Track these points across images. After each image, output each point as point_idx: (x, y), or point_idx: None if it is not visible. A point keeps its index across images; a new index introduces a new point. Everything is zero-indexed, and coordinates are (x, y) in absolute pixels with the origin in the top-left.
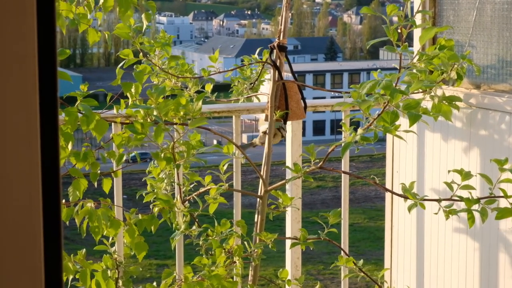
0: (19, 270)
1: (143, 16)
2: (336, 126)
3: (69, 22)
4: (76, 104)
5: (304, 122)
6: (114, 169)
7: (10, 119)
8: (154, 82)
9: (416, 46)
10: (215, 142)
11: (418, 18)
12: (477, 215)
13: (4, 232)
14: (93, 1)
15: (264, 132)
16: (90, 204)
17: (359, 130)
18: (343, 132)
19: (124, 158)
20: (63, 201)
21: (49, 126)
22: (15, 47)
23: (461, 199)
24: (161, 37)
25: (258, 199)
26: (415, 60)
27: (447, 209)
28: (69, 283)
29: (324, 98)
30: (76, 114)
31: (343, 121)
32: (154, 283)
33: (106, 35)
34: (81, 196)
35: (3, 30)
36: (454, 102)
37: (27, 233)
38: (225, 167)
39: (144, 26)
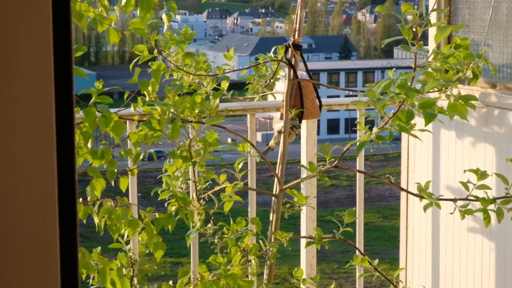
0: (35, 267)
1: (163, 16)
2: (350, 125)
3: (91, 21)
4: (91, 101)
5: (318, 121)
6: (131, 168)
7: (26, 116)
8: (174, 77)
9: (431, 45)
10: (229, 140)
11: (433, 17)
12: (493, 215)
13: (20, 230)
14: (108, 2)
15: (279, 132)
16: (109, 203)
17: (375, 129)
18: (358, 131)
19: (141, 157)
20: (81, 199)
21: (65, 124)
22: (31, 45)
23: (477, 199)
24: (184, 32)
25: (273, 197)
26: (430, 59)
27: (463, 209)
28: (91, 280)
29: (338, 96)
30: (95, 114)
31: (358, 120)
32: (170, 282)
33: (127, 35)
34: (99, 196)
35: (18, 28)
36: (469, 101)
37: (43, 231)
38: (240, 166)
39: (165, 27)
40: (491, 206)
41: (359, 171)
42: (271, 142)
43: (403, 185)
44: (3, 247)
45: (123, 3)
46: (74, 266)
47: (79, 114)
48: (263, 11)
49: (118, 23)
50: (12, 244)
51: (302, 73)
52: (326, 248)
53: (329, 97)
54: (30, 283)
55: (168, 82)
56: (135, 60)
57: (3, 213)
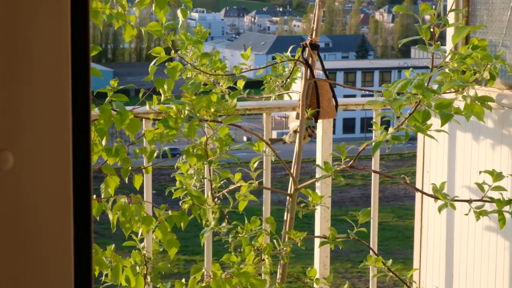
0: (50, 264)
1: (178, 12)
2: (366, 124)
3: (107, 17)
4: (106, 100)
5: (334, 120)
6: (145, 165)
7: (43, 113)
8: (188, 76)
9: (449, 45)
10: (244, 138)
11: (451, 17)
12: (508, 217)
13: (35, 226)
14: (126, 1)
15: (295, 131)
16: (123, 200)
17: (391, 129)
18: (374, 131)
19: (155, 154)
20: (94, 196)
21: (81, 122)
22: (49, 43)
23: (492, 200)
24: (197, 31)
25: (287, 197)
26: (447, 60)
27: (478, 210)
28: (103, 277)
29: (354, 96)
30: (110, 111)
31: (374, 120)
32: (183, 280)
33: (143, 31)
34: (113, 193)
35: (37, 26)
36: (486, 103)
37: (57, 228)
38: (255, 165)
39: (180, 22)
40: (507, 208)
41: (375, 171)
42: (286, 137)
43: (418, 185)
44: (17, 243)
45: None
46: (88, 263)
47: (94, 111)
48: (280, 9)
49: (135, 21)
50: (27, 240)
51: (318, 73)
52: (340, 247)
53: (345, 96)
54: (44, 279)
55: (183, 81)
56: (153, 62)
57: (18, 208)
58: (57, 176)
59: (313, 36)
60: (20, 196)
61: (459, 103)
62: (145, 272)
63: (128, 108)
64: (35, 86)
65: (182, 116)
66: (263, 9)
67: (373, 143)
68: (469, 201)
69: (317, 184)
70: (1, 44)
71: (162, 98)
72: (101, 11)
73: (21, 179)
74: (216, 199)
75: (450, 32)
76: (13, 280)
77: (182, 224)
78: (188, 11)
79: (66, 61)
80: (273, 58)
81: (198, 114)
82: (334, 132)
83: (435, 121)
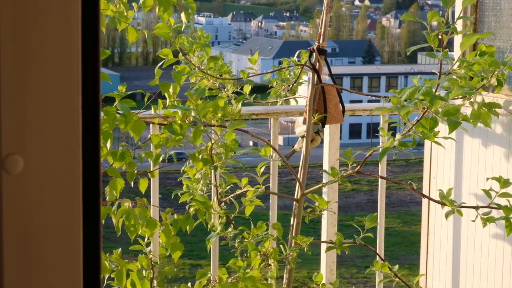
0: (59, 268)
1: (182, 15)
2: (372, 130)
3: (109, 20)
4: (114, 105)
5: (340, 125)
6: (151, 169)
7: (53, 118)
8: (192, 81)
9: (457, 52)
10: (251, 143)
11: (459, 24)
12: None
13: (45, 229)
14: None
15: (303, 137)
16: (127, 204)
17: (398, 136)
18: (380, 137)
19: (161, 158)
20: None
21: (91, 125)
22: (59, 47)
23: (499, 206)
24: (200, 35)
25: (294, 202)
26: (455, 66)
27: (485, 217)
28: (105, 281)
29: (360, 101)
30: (115, 113)
31: (381, 126)
32: (189, 284)
33: (146, 34)
34: (118, 196)
35: (47, 30)
36: (493, 109)
37: (67, 232)
38: (262, 170)
39: (184, 25)
40: None
41: (381, 177)
42: (296, 146)
43: (425, 191)
44: (26, 246)
45: (141, 1)
46: (97, 266)
47: None
48: (287, 14)
49: (142, 25)
50: (36, 244)
51: (325, 78)
52: (346, 253)
53: (351, 101)
54: (53, 283)
55: (190, 86)
56: (160, 64)
57: (27, 212)
58: (67, 179)
59: (321, 41)
60: (30, 199)
61: (466, 109)
62: (151, 276)
63: (134, 112)
64: (45, 90)
65: (187, 121)
66: (270, 14)
67: (380, 149)
68: (476, 208)
69: (324, 189)
70: (11, 48)
71: (168, 102)
72: (104, 13)
73: (30, 182)
74: (222, 204)
75: (458, 38)
76: (22, 284)
77: (187, 227)
78: (192, 13)
79: (76, 65)
80: (280, 62)
81: (204, 119)
82: (340, 138)
83: (442, 127)
